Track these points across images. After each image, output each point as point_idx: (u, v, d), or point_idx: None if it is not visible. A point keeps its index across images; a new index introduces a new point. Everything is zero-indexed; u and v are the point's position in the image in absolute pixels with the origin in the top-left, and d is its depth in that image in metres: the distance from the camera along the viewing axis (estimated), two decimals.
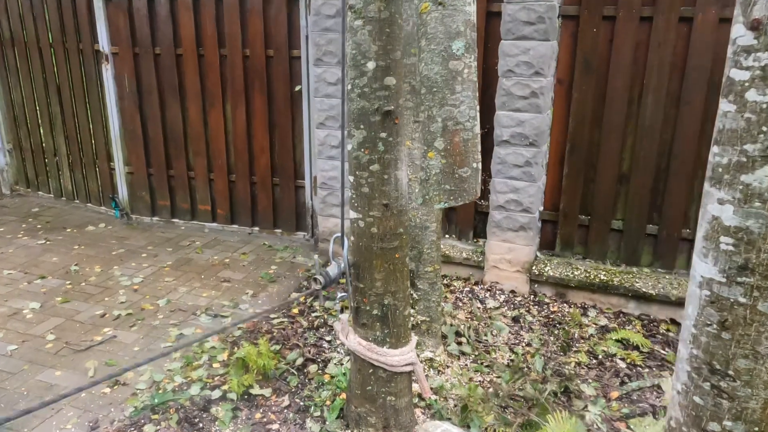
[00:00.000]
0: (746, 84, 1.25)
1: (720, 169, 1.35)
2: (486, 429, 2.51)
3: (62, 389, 2.79)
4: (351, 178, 2.24)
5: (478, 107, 2.09)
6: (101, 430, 2.53)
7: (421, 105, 2.05)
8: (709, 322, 1.41)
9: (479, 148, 2.11)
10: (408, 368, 2.38)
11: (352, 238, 2.30)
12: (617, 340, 3.37)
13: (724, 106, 1.32)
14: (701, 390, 1.46)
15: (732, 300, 1.34)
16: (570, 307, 3.80)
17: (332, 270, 2.32)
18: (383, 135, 2.13)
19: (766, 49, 1.21)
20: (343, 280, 2.35)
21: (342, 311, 3.25)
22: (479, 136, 2.10)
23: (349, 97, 2.17)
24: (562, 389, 2.87)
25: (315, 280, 2.30)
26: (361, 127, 2.15)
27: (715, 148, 1.37)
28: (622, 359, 3.20)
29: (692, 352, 1.47)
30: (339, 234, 2.35)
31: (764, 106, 1.22)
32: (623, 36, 3.50)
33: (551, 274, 3.87)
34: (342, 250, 2.32)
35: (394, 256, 2.27)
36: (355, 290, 2.34)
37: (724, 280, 1.35)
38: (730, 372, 1.38)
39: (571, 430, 2.31)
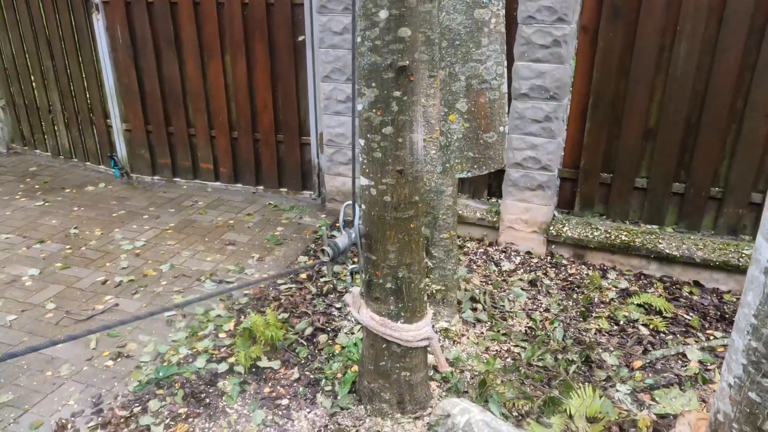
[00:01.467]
0: None
1: None
2: (505, 404, 2.40)
3: (63, 362, 2.70)
4: (362, 142, 2.03)
5: (506, 63, 1.86)
6: (105, 405, 2.43)
7: (441, 61, 1.82)
8: None
9: (506, 110, 1.89)
10: (423, 343, 2.25)
11: (363, 207, 2.12)
12: (639, 305, 3.23)
13: None
14: (759, 386, 1.30)
15: None
16: (589, 269, 3.65)
17: (341, 241, 2.15)
18: (397, 94, 1.92)
19: None
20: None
21: (352, 277, 3.12)
22: (507, 96, 1.88)
23: (358, 51, 1.94)
24: (583, 359, 2.75)
25: (323, 251, 2.14)
26: (373, 85, 1.93)
27: None
28: (645, 325, 3.07)
29: (750, 344, 1.31)
30: (350, 201, 2.17)
31: None
32: None
33: (569, 234, 3.70)
34: (353, 216, 2.15)
35: (409, 227, 2.10)
36: (367, 262, 2.18)
37: None
38: None
39: (597, 409, 2.19)
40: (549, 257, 3.79)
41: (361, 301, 2.27)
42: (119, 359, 2.73)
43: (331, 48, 3.94)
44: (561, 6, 3.25)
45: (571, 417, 2.32)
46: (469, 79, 1.77)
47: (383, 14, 1.85)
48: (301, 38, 4.22)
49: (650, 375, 2.68)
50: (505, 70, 1.86)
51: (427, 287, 2.34)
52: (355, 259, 2.24)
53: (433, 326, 2.77)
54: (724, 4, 3.11)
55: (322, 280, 3.43)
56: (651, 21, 3.26)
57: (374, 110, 1.95)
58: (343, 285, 3.34)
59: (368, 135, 2.00)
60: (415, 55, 1.93)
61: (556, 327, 2.99)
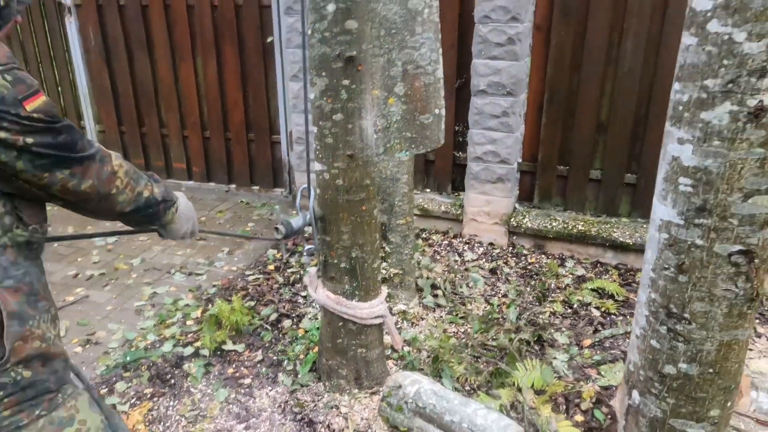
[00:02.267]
0: (708, 14, 1.18)
1: (680, 107, 1.30)
2: (457, 378, 2.52)
3: None
4: (315, 129, 2.16)
5: (440, 50, 2.00)
6: None
7: (380, 48, 1.96)
8: (666, 266, 1.38)
9: (442, 93, 2.03)
10: (378, 321, 2.37)
11: (318, 190, 2.25)
12: (593, 290, 3.38)
13: (686, 39, 1.26)
14: (658, 333, 1.44)
15: (689, 242, 1.32)
16: (548, 258, 3.80)
17: (296, 221, 2.26)
18: (346, 82, 2.04)
19: None
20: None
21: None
22: (442, 80, 2.02)
23: (309, 43, 2.07)
24: (536, 338, 2.89)
25: (276, 229, 2.25)
26: (323, 74, 2.05)
27: (676, 85, 1.31)
28: (597, 308, 3.22)
29: (650, 296, 1.45)
30: (305, 185, 2.29)
31: (726, 37, 1.15)
32: None
33: (530, 225, 3.85)
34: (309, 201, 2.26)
35: (361, 209, 2.22)
36: (323, 243, 2.30)
37: (682, 222, 1.32)
38: (686, 315, 1.37)
39: (539, 377, 2.32)
40: (510, 248, 3.93)
41: (318, 281, 2.38)
42: (88, 346, 2.81)
43: (298, 48, 4.07)
44: (514, 6, 3.42)
45: (519, 390, 2.45)
46: (405, 64, 1.91)
47: (331, 7, 1.98)
48: (269, 39, 4.35)
49: (598, 352, 2.82)
50: (440, 56, 2.00)
51: (382, 268, 2.47)
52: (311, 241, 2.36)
53: (390, 309, 2.90)
54: (667, 2, 3.30)
55: (289, 270, 3.54)
56: (599, 18, 3.44)
57: (325, 98, 2.08)
58: None
59: (320, 122, 2.13)
60: (363, 46, 2.06)
61: (511, 310, 3.13)
